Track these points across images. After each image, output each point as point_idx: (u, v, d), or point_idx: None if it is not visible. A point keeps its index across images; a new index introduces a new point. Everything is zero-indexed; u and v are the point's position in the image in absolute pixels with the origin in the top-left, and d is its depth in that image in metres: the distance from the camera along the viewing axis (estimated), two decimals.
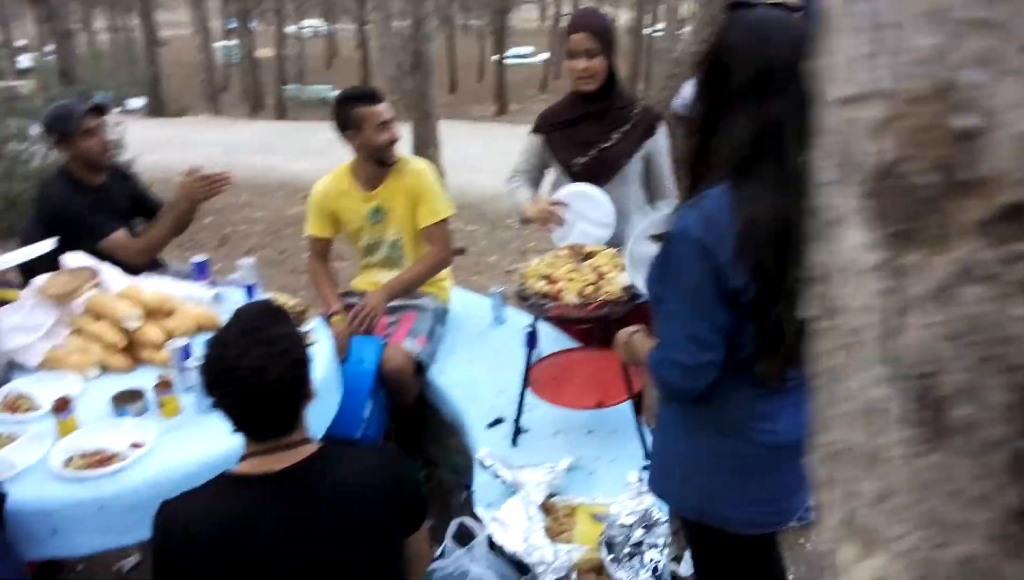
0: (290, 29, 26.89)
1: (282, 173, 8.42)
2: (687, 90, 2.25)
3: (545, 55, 31.70)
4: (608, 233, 2.54)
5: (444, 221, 2.92)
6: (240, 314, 1.51)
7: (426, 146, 6.49)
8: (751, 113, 1.37)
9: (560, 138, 2.69)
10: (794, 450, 1.58)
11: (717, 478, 1.64)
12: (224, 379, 1.39)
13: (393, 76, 13.01)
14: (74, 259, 2.42)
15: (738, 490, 1.63)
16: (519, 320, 3.20)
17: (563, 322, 2.24)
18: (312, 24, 32.76)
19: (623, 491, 2.16)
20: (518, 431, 2.45)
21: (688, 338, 1.44)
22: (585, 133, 2.64)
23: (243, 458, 1.47)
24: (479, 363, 2.89)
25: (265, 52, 27.11)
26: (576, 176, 2.63)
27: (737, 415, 1.58)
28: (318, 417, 2.22)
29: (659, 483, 1.76)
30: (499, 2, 20.06)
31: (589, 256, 2.28)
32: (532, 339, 2.80)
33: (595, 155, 2.62)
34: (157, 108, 15.80)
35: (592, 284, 2.13)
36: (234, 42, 26.39)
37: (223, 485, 1.45)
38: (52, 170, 2.88)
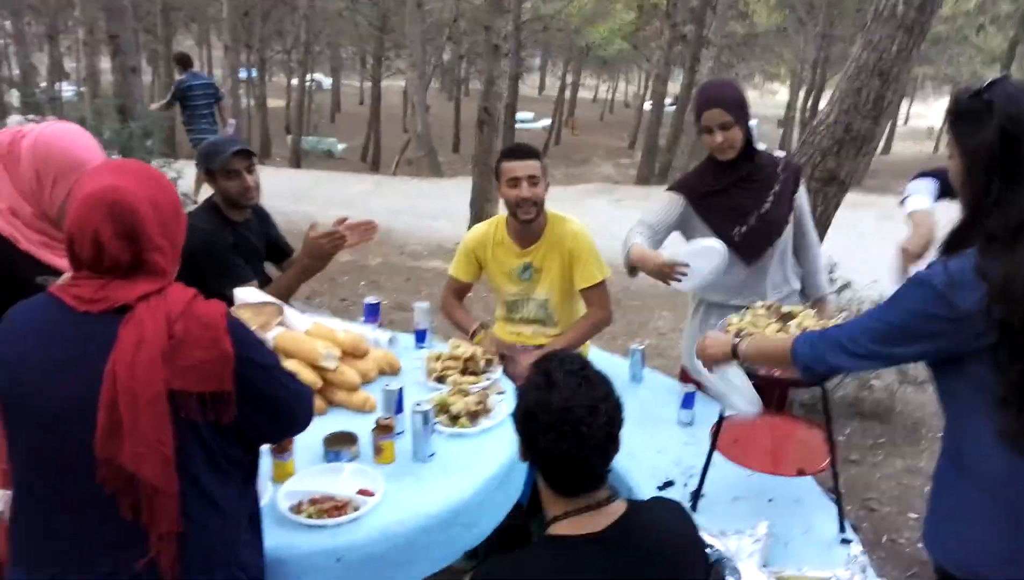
0: (295, 82, 27.23)
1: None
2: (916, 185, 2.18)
3: (546, 121, 32.37)
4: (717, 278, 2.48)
5: (603, 283, 2.86)
6: (552, 357, 1.45)
7: (485, 200, 6.49)
8: None
9: (711, 207, 2.62)
10: None
11: (978, 533, 1.58)
12: (557, 421, 1.33)
13: (420, 133, 13.14)
14: (249, 294, 2.33)
15: (996, 547, 1.56)
16: (655, 379, 3.14)
17: (776, 384, 2.17)
18: (317, 78, 33.24)
19: (830, 563, 2.09)
20: (698, 495, 2.36)
21: (866, 335, 1.56)
22: (737, 200, 2.60)
23: (554, 519, 1.39)
24: (629, 422, 2.80)
25: (274, 103, 27.39)
26: (739, 246, 2.59)
27: (992, 470, 1.54)
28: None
29: (928, 534, 1.70)
30: (514, 69, 20.58)
31: (789, 316, 2.23)
32: (689, 400, 2.75)
33: (754, 224, 2.59)
34: (171, 152, 15.70)
35: None
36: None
37: (546, 548, 1.36)
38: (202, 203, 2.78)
